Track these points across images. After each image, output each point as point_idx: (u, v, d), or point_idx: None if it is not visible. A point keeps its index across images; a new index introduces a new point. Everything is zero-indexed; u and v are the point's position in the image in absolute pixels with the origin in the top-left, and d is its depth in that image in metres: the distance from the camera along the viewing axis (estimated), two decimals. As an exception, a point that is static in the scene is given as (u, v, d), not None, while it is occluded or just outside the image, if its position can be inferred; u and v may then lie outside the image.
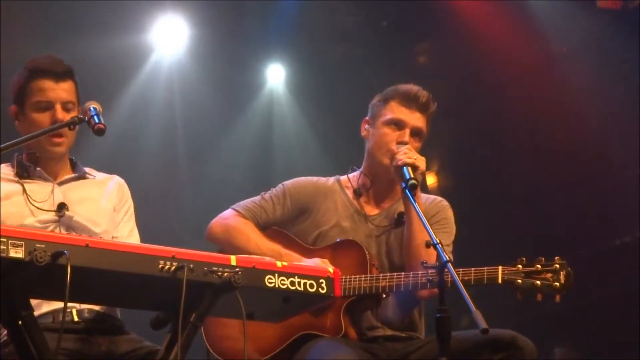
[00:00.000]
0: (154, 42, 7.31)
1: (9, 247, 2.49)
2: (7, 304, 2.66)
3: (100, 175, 3.72)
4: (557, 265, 3.69)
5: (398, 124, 3.93)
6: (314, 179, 4.09)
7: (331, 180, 4.09)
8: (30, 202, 3.46)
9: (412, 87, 3.98)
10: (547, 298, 3.70)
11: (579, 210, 7.46)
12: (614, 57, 6.99)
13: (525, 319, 7.46)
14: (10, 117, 3.62)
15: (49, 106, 3.51)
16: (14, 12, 6.34)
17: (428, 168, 8.73)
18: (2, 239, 2.49)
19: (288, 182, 4.05)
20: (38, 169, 3.54)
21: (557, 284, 3.67)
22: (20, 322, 2.66)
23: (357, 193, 4.01)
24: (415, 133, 3.93)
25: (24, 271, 2.53)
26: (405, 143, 3.86)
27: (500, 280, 3.66)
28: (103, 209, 3.60)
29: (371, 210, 4.00)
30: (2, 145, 3.26)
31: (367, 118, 4.05)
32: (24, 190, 3.49)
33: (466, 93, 8.04)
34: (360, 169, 4.07)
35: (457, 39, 7.57)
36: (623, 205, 7.13)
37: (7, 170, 3.56)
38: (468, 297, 3.01)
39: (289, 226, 3.98)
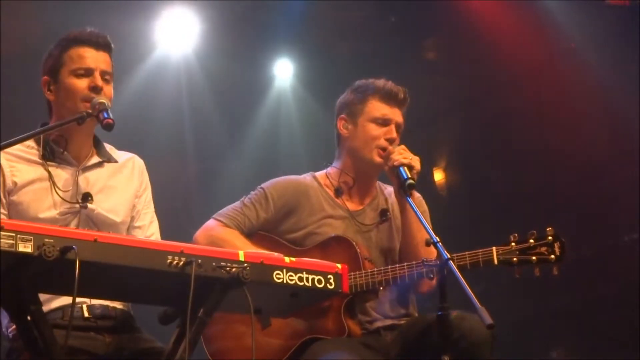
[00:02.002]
0: (161, 37, 7.31)
1: (18, 242, 2.49)
2: (16, 299, 2.66)
3: (121, 157, 3.64)
4: (550, 237, 3.67)
5: (383, 121, 3.95)
6: (292, 177, 4.06)
7: (307, 177, 4.07)
8: (55, 191, 3.35)
9: (389, 83, 4.01)
10: (545, 272, 3.68)
11: (585, 206, 7.45)
12: (623, 53, 6.97)
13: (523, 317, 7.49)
14: (41, 90, 3.50)
15: (87, 73, 3.43)
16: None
17: (436, 164, 8.78)
18: (10, 234, 2.48)
19: (267, 185, 4.01)
20: (65, 152, 3.43)
21: (553, 256, 3.66)
22: (29, 317, 2.66)
23: (339, 191, 4.00)
24: (398, 128, 3.97)
25: (33, 266, 2.53)
26: (394, 139, 3.91)
27: (496, 262, 3.66)
28: (125, 198, 3.54)
29: (354, 207, 4.00)
30: (32, 133, 3.24)
31: (343, 115, 4.03)
32: (50, 176, 3.37)
33: (474, 89, 8.03)
34: (337, 166, 4.05)
35: (465, 35, 7.56)
36: (630, 203, 7.11)
37: (29, 149, 3.41)
38: (472, 293, 3.00)
39: (274, 228, 3.96)
